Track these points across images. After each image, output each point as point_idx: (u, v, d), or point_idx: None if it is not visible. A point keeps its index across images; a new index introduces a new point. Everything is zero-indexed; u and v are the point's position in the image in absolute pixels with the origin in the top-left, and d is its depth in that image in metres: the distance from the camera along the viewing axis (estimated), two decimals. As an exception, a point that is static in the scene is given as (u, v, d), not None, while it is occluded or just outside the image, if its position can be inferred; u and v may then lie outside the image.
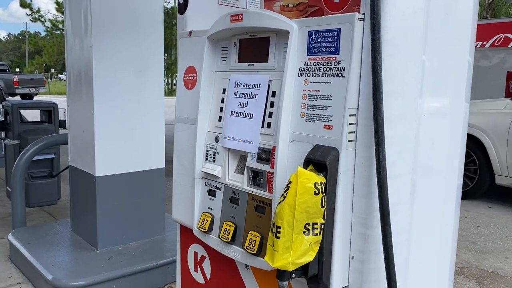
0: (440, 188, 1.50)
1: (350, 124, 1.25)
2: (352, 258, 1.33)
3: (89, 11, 2.86)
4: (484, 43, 14.72)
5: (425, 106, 1.34)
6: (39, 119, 5.36)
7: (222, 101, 1.66)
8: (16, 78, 21.81)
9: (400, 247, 1.35)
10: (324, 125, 1.29)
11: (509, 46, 13.08)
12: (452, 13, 1.40)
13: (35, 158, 4.47)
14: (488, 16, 22.59)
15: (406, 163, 1.33)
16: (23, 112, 5.39)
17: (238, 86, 1.59)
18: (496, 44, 14.34)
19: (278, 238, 1.21)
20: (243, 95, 1.56)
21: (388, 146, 1.23)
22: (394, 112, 1.26)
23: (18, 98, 21.41)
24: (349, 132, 1.26)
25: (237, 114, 1.57)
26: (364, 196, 1.28)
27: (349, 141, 1.26)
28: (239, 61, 1.61)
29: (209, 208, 1.68)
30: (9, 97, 21.10)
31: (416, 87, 1.31)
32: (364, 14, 1.23)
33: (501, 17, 20.00)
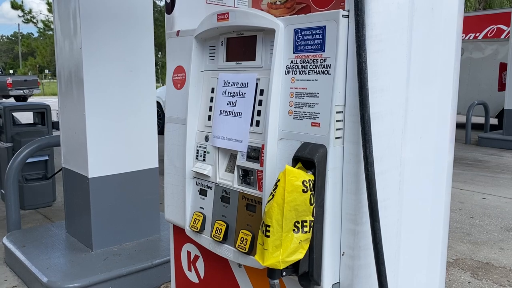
0: (429, 181, 1.50)
1: (337, 121, 1.26)
2: (342, 255, 1.33)
3: (78, 11, 2.84)
4: (477, 34, 14.76)
5: (412, 101, 1.35)
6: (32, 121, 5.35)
7: (211, 100, 1.66)
8: (9, 80, 21.72)
9: (390, 242, 1.35)
10: (312, 122, 1.30)
11: (502, 37, 13.12)
12: (437, 7, 1.40)
13: (29, 160, 4.46)
14: (481, 8, 22.63)
15: (394, 158, 1.33)
16: (16, 114, 5.37)
17: (227, 85, 1.58)
18: (489, 36, 14.38)
19: (268, 236, 1.22)
20: (231, 94, 1.56)
21: (375, 142, 1.23)
22: (381, 108, 1.27)
23: (12, 100, 21.31)
24: (337, 129, 1.26)
25: (226, 113, 1.57)
26: (353, 192, 1.28)
27: (336, 138, 1.26)
28: (227, 60, 1.61)
29: (200, 207, 1.68)
30: (3, 99, 21.01)
31: (402, 82, 1.31)
32: (348, 11, 1.23)
33: (494, 8, 20.04)
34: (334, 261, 1.33)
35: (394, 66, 1.28)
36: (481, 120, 10.93)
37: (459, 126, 12.14)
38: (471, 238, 4.10)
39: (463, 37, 15.01)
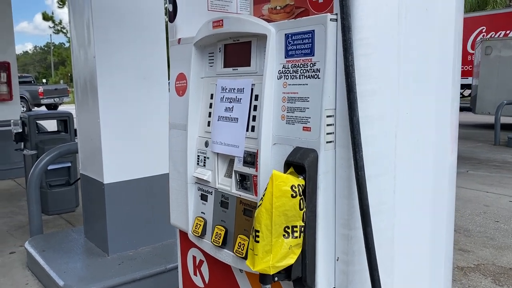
0: (428, 184, 1.47)
1: (328, 125, 1.25)
2: (337, 260, 1.32)
3: (91, 22, 2.92)
4: (508, 32, 14.34)
5: (405, 104, 1.32)
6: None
7: (211, 106, 1.67)
8: (41, 89, 22.39)
9: (385, 247, 1.33)
10: (303, 127, 1.29)
11: (533, 34, 12.70)
12: (432, 8, 1.38)
13: (53, 167, 4.60)
14: (511, 4, 21.98)
15: (387, 162, 1.31)
16: (42, 122, 5.55)
17: (224, 91, 1.60)
18: (520, 32, 13.95)
19: (258, 242, 1.22)
20: (228, 100, 1.57)
21: (367, 146, 1.22)
22: (372, 112, 1.25)
23: (43, 108, 21.97)
24: (327, 133, 1.25)
25: (224, 119, 1.58)
26: (346, 197, 1.27)
27: (327, 142, 1.25)
28: (225, 66, 1.62)
29: (202, 212, 1.70)
30: (35, 107, 21.68)
31: (393, 85, 1.29)
32: (337, 14, 1.22)
33: (524, 5, 19.43)
34: (329, 266, 1.31)
35: (384, 69, 1.27)
36: (511, 120, 10.60)
37: (488, 126, 11.79)
38: (494, 242, 3.98)
39: (493, 34, 14.62)
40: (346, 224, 1.28)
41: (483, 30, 14.67)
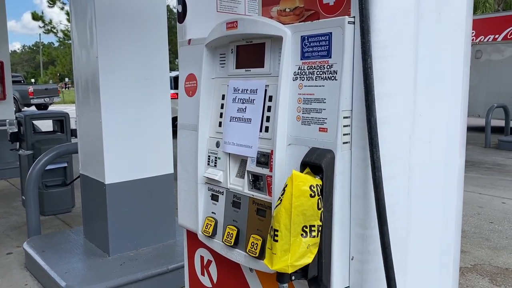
0: (439, 186, 1.50)
1: (344, 126, 1.27)
2: (352, 259, 1.34)
3: (94, 22, 2.92)
4: (496, 36, 14.54)
5: (420, 106, 1.35)
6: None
7: (222, 107, 1.68)
8: (31, 88, 22.17)
9: (399, 246, 1.35)
10: (319, 127, 1.31)
11: (522, 38, 12.88)
12: (444, 12, 1.40)
13: (49, 167, 4.55)
14: (500, 9, 22.29)
15: (402, 163, 1.33)
16: (36, 122, 5.50)
17: (237, 92, 1.61)
18: (508, 37, 14.14)
19: (276, 241, 1.23)
20: (241, 101, 1.59)
21: (383, 147, 1.24)
22: (388, 113, 1.27)
23: (33, 108, 21.75)
24: (344, 134, 1.27)
25: (236, 119, 1.59)
26: (361, 197, 1.29)
27: (344, 143, 1.27)
28: (237, 67, 1.63)
29: (212, 212, 1.71)
30: (25, 107, 21.46)
31: (409, 87, 1.31)
32: (354, 17, 1.24)
33: (513, 9, 19.71)
34: (344, 265, 1.33)
35: (400, 71, 1.29)
36: (501, 123, 10.74)
37: (479, 129, 11.94)
38: (490, 243, 4.03)
39: (482, 39, 14.82)
40: (362, 223, 1.30)
41: (473, 34, 14.83)
